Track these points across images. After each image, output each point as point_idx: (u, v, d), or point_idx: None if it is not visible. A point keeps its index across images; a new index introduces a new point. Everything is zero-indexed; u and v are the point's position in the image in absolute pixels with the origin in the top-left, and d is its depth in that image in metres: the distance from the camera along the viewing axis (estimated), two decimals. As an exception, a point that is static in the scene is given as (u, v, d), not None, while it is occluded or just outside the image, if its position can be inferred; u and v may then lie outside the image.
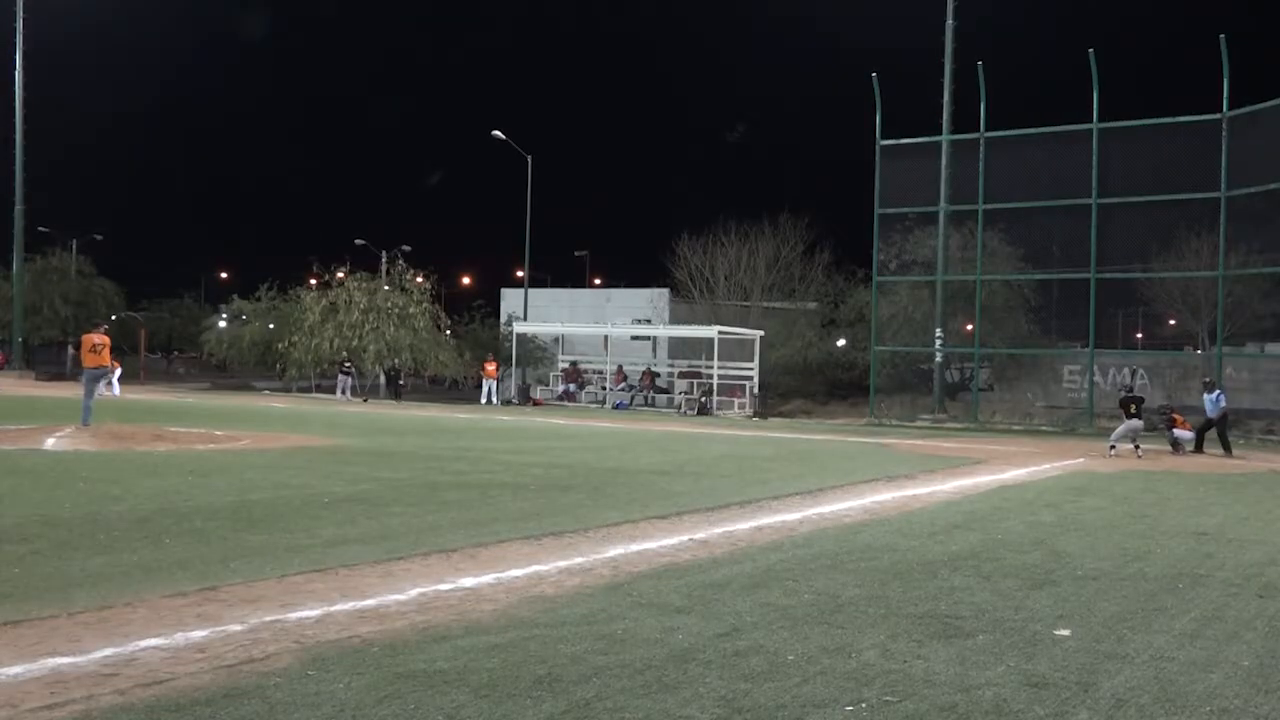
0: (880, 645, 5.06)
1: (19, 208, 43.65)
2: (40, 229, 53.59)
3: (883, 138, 31.51)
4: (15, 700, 3.90)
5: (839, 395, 38.26)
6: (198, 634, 4.88)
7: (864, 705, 4.15)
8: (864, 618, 5.63)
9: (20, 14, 42.36)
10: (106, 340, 16.71)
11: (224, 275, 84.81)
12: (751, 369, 35.64)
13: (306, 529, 7.95)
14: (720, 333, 35.26)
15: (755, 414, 32.70)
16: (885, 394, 32.83)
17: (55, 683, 4.11)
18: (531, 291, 46.93)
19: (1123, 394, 20.50)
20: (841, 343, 40.43)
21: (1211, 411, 20.28)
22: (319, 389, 40.66)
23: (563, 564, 6.90)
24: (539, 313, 45.20)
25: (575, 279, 69.43)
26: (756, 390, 34.65)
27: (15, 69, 42.97)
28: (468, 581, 6.24)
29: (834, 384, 39.12)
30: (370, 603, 5.62)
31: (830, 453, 18.44)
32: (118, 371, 32.60)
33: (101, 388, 32.18)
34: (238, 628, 5.01)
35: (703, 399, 33.95)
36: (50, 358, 53.92)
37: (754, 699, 4.18)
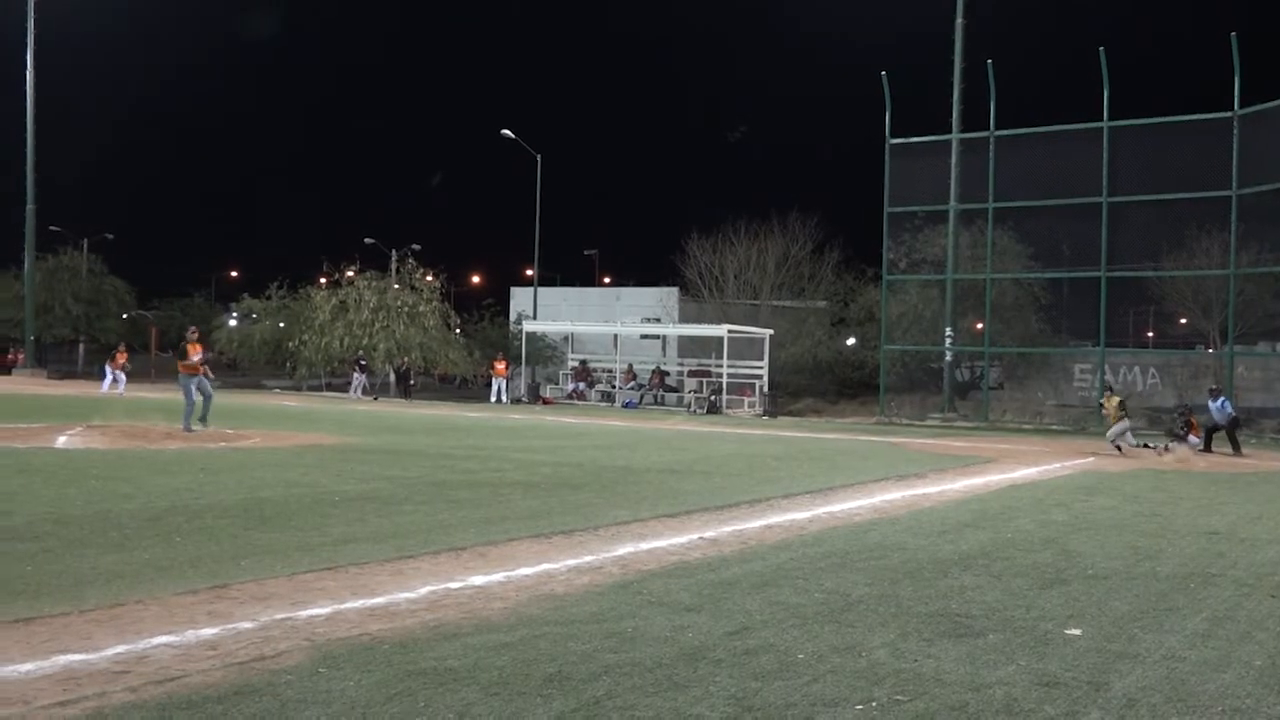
0: (890, 644, 5.05)
1: (30, 207, 43.73)
2: (51, 228, 53.71)
3: (892, 136, 31.46)
4: (28, 697, 3.91)
5: (849, 394, 38.17)
6: (209, 631, 4.89)
7: (874, 704, 4.15)
8: (874, 616, 5.62)
9: (31, 15, 42.51)
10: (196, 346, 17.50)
11: (234, 274, 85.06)
12: (761, 368, 35.60)
13: (317, 527, 7.97)
14: (730, 331, 35.20)
15: (765, 413, 32.65)
16: (895, 393, 32.78)
17: (67, 680, 4.12)
18: (541, 290, 46.93)
19: (1114, 393, 20.58)
20: (851, 341, 40.37)
21: (1219, 418, 20.24)
22: (329, 387, 40.72)
23: (573, 562, 6.91)
24: (548, 311, 45.19)
25: (585, 278, 69.44)
26: (766, 389, 34.58)
27: (26, 69, 43.10)
28: (478, 580, 6.25)
29: (844, 383, 39.03)
30: (380, 600, 5.63)
31: (840, 451, 18.41)
32: (110, 374, 32.68)
33: (106, 385, 32.38)
34: (249, 625, 5.03)
35: (712, 398, 33.92)
36: (61, 356, 54.03)
37: (764, 697, 4.17)
